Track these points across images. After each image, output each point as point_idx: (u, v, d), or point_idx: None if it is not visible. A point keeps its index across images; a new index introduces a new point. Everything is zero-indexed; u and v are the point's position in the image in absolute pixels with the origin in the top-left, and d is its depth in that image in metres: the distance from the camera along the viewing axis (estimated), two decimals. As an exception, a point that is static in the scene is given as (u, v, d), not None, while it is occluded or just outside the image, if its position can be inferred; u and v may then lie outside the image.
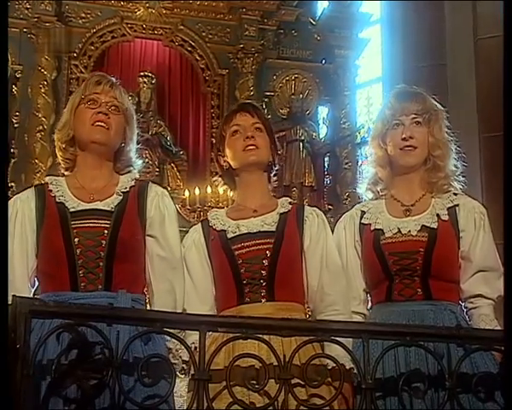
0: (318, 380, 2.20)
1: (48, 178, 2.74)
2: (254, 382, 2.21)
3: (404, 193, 2.82)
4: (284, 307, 2.58)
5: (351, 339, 2.32)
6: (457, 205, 2.76)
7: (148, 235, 2.67)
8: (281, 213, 2.72)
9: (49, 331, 1.98)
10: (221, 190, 8.41)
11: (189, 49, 9.13)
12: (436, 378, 2.26)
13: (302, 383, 2.29)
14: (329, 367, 2.43)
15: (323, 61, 9.44)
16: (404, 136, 2.76)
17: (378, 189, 2.88)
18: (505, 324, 1.98)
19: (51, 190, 2.65)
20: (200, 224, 2.81)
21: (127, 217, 2.62)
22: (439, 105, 2.87)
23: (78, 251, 2.52)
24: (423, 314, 2.60)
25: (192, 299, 2.68)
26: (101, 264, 2.53)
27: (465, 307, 2.73)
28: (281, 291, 2.61)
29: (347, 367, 2.35)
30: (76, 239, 2.53)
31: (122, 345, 2.23)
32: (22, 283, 2.55)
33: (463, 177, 2.86)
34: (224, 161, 2.80)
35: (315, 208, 2.87)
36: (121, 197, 2.65)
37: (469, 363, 2.41)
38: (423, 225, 2.71)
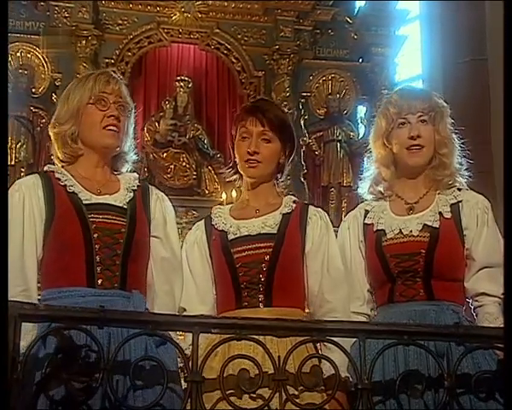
0: (313, 381, 2.17)
1: (52, 167, 2.67)
2: (247, 385, 2.18)
3: (408, 190, 2.77)
4: (281, 313, 2.49)
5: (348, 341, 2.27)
6: (461, 201, 2.70)
7: (153, 236, 2.66)
8: (283, 214, 2.67)
9: (37, 337, 1.97)
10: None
11: (225, 52, 9.16)
12: (437, 378, 2.21)
13: (297, 393, 2.28)
14: (325, 376, 2.43)
15: (360, 60, 9.35)
16: (411, 134, 2.70)
17: (380, 189, 2.82)
18: (505, 321, 1.93)
19: (59, 179, 2.59)
20: (203, 221, 2.78)
21: (139, 216, 2.61)
22: (443, 102, 2.82)
23: (96, 247, 2.48)
24: (425, 314, 2.55)
25: (193, 298, 2.66)
26: (117, 262, 2.49)
27: (471, 306, 2.67)
28: (279, 297, 2.57)
29: (342, 376, 2.31)
30: (95, 235, 2.49)
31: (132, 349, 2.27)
32: (32, 273, 2.49)
33: (468, 171, 2.80)
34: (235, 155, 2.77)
35: (319, 209, 2.80)
36: (132, 194, 2.63)
37: (471, 362, 2.36)
38: (425, 225, 2.65)
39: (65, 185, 2.57)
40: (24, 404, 1.89)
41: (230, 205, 2.81)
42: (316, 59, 9.28)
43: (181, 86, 8.91)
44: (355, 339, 2.20)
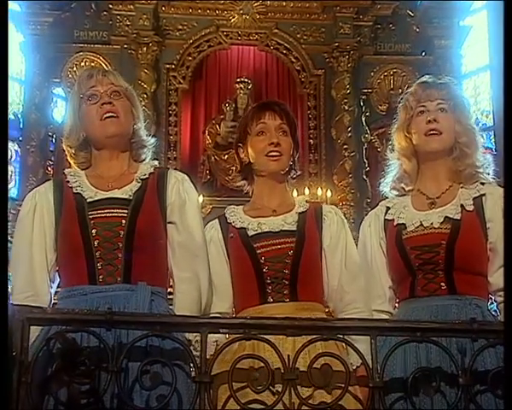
0: (322, 380, 2.14)
1: (67, 170, 2.67)
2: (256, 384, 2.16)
3: (431, 185, 2.71)
4: (307, 307, 2.53)
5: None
6: (484, 194, 2.63)
7: (169, 222, 2.58)
8: (299, 213, 2.68)
9: (42, 341, 2.00)
10: (319, 191, 8.39)
11: (285, 51, 9.16)
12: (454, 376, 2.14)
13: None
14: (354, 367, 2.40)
15: (423, 54, 9.19)
16: (428, 119, 2.66)
17: (403, 185, 2.77)
18: (506, 319, 1.86)
19: (69, 181, 2.59)
20: (217, 220, 2.75)
21: (146, 205, 2.54)
22: (465, 95, 2.77)
23: (95, 243, 2.45)
24: (447, 309, 2.48)
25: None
26: (119, 255, 2.44)
27: (495, 301, 2.59)
28: (303, 290, 2.56)
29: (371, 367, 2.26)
30: (93, 230, 2.46)
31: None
32: (41, 278, 2.51)
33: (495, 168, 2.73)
34: (245, 156, 2.76)
35: (333, 207, 2.82)
36: (140, 184, 2.57)
37: (495, 358, 2.28)
38: (446, 217, 2.59)
39: (72, 187, 2.58)
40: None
41: (242, 206, 2.80)
42: (376, 54, 9.21)
43: (241, 88, 8.96)
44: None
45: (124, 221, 2.48)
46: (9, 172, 9.18)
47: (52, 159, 8.67)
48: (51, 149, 8.74)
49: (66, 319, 2.01)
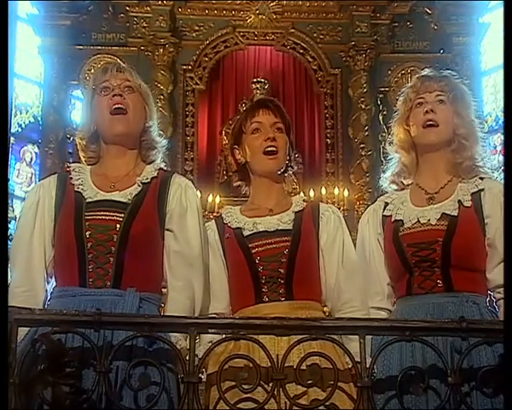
0: (311, 378, 2.14)
1: (73, 165, 2.66)
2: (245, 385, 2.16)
3: (430, 180, 2.69)
4: (303, 306, 2.52)
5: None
6: (482, 189, 2.59)
7: (167, 229, 2.55)
8: (296, 212, 2.67)
9: (29, 342, 2.01)
10: (336, 190, 8.36)
11: (301, 51, 9.13)
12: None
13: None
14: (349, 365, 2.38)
15: (442, 51, 9.13)
16: (425, 109, 2.65)
17: (402, 179, 2.75)
18: (505, 316, 1.84)
19: (72, 178, 2.57)
20: (213, 221, 2.75)
21: (143, 210, 2.50)
22: (464, 86, 2.73)
23: (88, 245, 2.42)
24: (443, 307, 2.46)
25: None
26: (111, 259, 2.42)
27: (494, 298, 2.55)
28: (299, 290, 2.55)
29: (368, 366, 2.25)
30: (88, 232, 2.44)
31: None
32: (39, 274, 2.50)
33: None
34: (241, 156, 2.75)
35: (330, 205, 2.80)
36: (140, 188, 2.54)
37: (491, 356, 2.26)
38: (444, 213, 2.56)
39: (74, 184, 2.56)
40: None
41: (239, 206, 2.79)
42: (394, 53, 9.16)
43: (257, 88, 8.95)
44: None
45: (118, 225, 2.46)
46: (30, 175, 9.28)
47: (70, 161, 8.72)
48: (69, 150, 8.79)
49: (54, 321, 2.01)
